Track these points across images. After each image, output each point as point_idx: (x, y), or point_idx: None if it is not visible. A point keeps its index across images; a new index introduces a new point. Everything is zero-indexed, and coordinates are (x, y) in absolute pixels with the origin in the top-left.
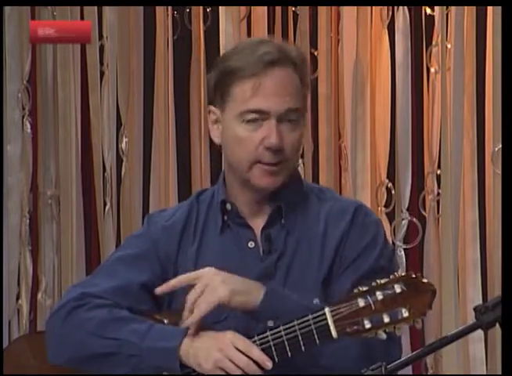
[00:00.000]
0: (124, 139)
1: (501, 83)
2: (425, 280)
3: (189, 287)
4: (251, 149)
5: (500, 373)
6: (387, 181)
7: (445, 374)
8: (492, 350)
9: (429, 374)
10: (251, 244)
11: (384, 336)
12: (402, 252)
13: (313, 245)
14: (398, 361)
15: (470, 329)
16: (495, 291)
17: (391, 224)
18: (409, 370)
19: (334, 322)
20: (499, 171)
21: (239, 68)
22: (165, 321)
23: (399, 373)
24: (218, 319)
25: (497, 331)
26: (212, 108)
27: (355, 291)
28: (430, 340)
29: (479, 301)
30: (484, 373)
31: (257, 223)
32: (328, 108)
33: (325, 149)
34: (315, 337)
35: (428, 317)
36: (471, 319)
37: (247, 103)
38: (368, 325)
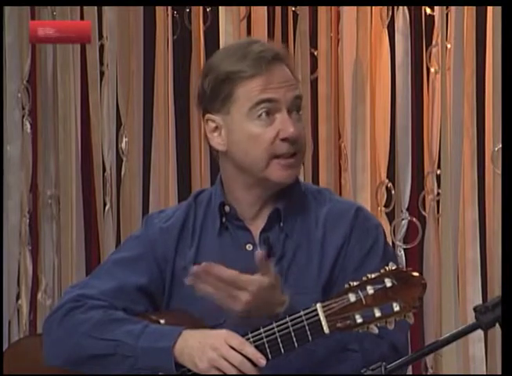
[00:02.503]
0: (124, 139)
1: (501, 83)
2: (415, 274)
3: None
4: (267, 143)
5: (500, 373)
6: (386, 181)
7: (445, 374)
8: (492, 350)
9: (429, 374)
10: (249, 247)
11: (376, 330)
12: (402, 252)
13: (312, 249)
14: (398, 361)
15: (470, 329)
16: (495, 291)
17: (390, 224)
18: (409, 370)
19: (326, 317)
20: (499, 171)
21: (240, 70)
22: (161, 321)
23: (399, 373)
24: (216, 322)
25: (497, 331)
26: (210, 116)
27: (346, 286)
28: (430, 340)
29: (479, 301)
30: (484, 373)
31: (256, 226)
32: (328, 108)
33: (325, 149)
34: (308, 333)
35: (428, 317)
36: (471, 319)
37: (257, 96)
38: (359, 320)
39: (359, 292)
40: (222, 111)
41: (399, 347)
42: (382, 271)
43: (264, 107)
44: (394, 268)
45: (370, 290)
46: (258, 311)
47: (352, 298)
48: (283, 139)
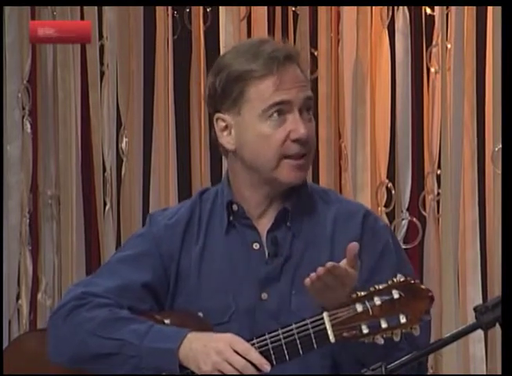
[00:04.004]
0: (124, 139)
1: (501, 83)
2: (423, 287)
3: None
4: (278, 144)
5: (500, 373)
6: (387, 181)
7: (445, 374)
8: (492, 350)
9: (429, 374)
10: (256, 246)
11: (381, 341)
12: None
13: (320, 250)
14: (398, 361)
15: (470, 329)
16: (496, 290)
17: (391, 224)
18: None
19: (332, 326)
20: (499, 171)
21: (252, 70)
22: (166, 321)
23: (399, 373)
24: (221, 320)
25: (497, 331)
26: (220, 115)
27: (353, 295)
28: (430, 340)
29: (479, 301)
30: (484, 373)
31: (263, 225)
32: (328, 108)
33: (325, 149)
34: (313, 341)
35: None
36: (471, 319)
37: (269, 98)
38: (365, 330)
39: (366, 303)
40: (233, 111)
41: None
42: (390, 282)
43: (276, 109)
44: (402, 280)
45: (378, 301)
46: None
47: (359, 308)
48: (294, 140)
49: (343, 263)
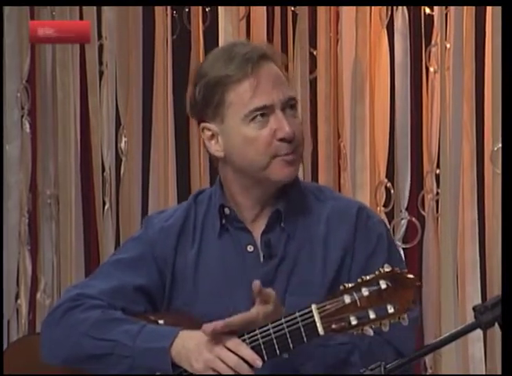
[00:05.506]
0: (124, 139)
1: (501, 83)
2: (410, 276)
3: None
4: (265, 144)
5: (500, 373)
6: (386, 180)
7: (445, 374)
8: (491, 350)
9: (428, 374)
10: (250, 248)
11: (370, 332)
12: (402, 252)
13: (315, 249)
14: (398, 361)
15: (469, 329)
16: (495, 290)
17: (390, 224)
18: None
19: (321, 319)
20: (499, 171)
21: (228, 75)
22: (160, 322)
23: (399, 373)
24: None
25: (496, 331)
26: (206, 125)
27: (341, 287)
28: (429, 340)
29: (478, 300)
30: (484, 373)
31: (257, 227)
32: (327, 108)
33: (324, 148)
34: (303, 334)
35: (428, 317)
36: (470, 318)
37: (250, 103)
38: (354, 322)
39: (354, 294)
40: (217, 119)
41: (405, 353)
42: (377, 273)
43: (258, 113)
44: (388, 270)
45: (365, 292)
46: None
47: (347, 299)
48: (280, 139)
49: (256, 306)
